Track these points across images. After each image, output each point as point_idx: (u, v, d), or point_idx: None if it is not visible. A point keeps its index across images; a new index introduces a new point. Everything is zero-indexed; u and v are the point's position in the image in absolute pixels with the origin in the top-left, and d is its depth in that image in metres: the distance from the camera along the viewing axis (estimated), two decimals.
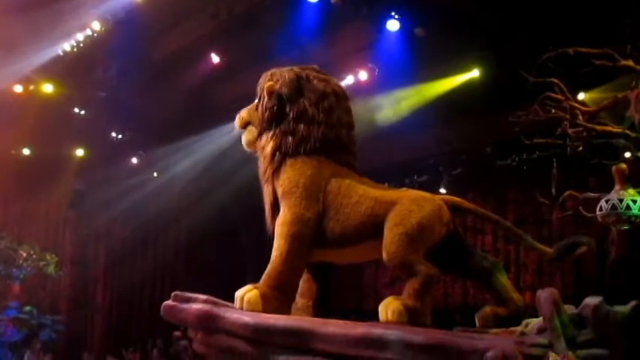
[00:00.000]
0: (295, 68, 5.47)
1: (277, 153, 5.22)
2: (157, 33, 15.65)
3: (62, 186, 19.43)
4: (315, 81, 5.37)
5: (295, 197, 5.05)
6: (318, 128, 5.20)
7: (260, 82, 5.56)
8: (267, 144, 5.30)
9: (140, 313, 20.41)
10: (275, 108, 5.29)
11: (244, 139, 5.60)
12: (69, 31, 15.50)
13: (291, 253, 4.91)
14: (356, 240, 4.97)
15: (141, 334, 19.64)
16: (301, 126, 5.21)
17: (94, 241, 20.43)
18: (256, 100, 5.57)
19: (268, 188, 5.30)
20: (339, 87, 5.54)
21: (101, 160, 18.91)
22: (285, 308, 4.91)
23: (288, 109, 5.27)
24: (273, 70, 5.54)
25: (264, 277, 4.91)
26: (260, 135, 5.41)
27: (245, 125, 5.60)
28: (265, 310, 4.72)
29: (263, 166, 5.34)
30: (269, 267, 4.93)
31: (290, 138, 5.20)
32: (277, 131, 5.27)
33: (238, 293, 4.86)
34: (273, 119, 5.31)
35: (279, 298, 4.86)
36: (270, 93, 5.32)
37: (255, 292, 4.79)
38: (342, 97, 5.46)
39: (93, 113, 18.18)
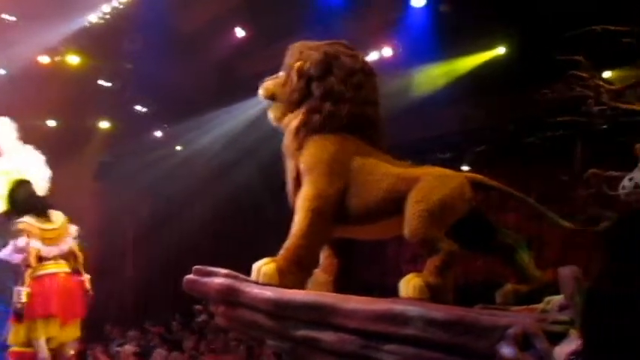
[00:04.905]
0: (324, 45, 5.44)
1: (303, 129, 5.22)
2: (183, 5, 15.68)
3: (88, 158, 19.57)
4: (344, 57, 5.34)
5: (317, 173, 5.05)
6: (344, 105, 5.19)
7: (288, 56, 5.55)
8: (293, 120, 5.31)
9: (166, 286, 20.54)
10: (302, 88, 5.30)
11: (272, 115, 5.60)
12: (95, 3, 15.55)
13: (311, 228, 4.90)
14: (377, 216, 4.96)
15: (165, 308, 19.80)
16: (328, 104, 5.19)
17: (120, 213, 20.56)
18: (282, 73, 5.57)
19: (291, 163, 5.30)
20: (367, 64, 5.52)
21: (126, 132, 19.01)
22: (300, 282, 4.93)
23: (315, 87, 5.26)
24: (300, 45, 5.53)
25: (282, 250, 4.91)
26: (286, 112, 5.42)
27: (270, 96, 5.60)
28: (281, 284, 4.75)
29: (287, 140, 5.33)
30: (288, 241, 4.93)
31: (317, 116, 5.19)
32: (304, 109, 5.28)
33: (256, 265, 4.87)
34: (302, 98, 5.32)
35: (295, 272, 4.86)
36: (300, 74, 5.32)
37: (273, 265, 4.79)
38: (369, 73, 5.44)
39: (118, 85, 18.28)
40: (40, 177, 9.99)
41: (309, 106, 5.26)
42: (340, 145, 5.15)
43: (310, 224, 4.91)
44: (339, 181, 5.03)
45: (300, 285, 4.91)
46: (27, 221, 9.25)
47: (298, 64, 5.38)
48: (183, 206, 20.36)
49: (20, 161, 9.96)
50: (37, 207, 9.51)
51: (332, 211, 4.98)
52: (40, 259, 9.25)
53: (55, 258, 9.42)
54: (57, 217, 9.75)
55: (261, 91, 5.67)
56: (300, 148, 5.22)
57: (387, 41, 15.52)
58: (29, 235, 9.17)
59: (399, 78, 15.57)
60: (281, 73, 5.61)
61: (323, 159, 5.09)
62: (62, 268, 9.46)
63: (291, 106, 5.40)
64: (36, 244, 9.17)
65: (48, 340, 9.26)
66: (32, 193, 9.59)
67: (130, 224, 20.68)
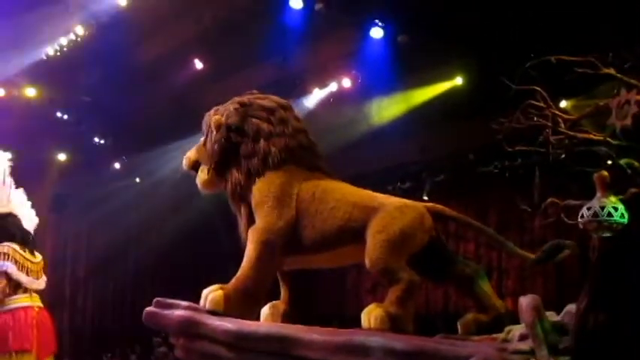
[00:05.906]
0: (235, 98, 5.55)
1: (246, 176, 5.27)
2: (141, 37, 15.62)
3: (44, 190, 19.35)
4: (258, 100, 5.46)
5: (267, 207, 5.10)
6: (278, 140, 5.26)
7: (205, 121, 5.63)
8: (233, 173, 5.35)
9: (121, 317, 20.37)
10: (223, 140, 5.36)
11: (198, 180, 5.66)
12: (52, 35, 15.46)
13: (261, 259, 4.95)
14: (333, 245, 5.00)
15: (122, 339, 19.59)
16: (261, 143, 5.26)
17: (76, 245, 20.39)
18: (202, 138, 5.64)
19: (242, 204, 5.36)
20: (282, 100, 5.61)
21: (83, 164, 18.88)
22: (247, 312, 4.96)
23: (242, 136, 5.34)
24: (215, 107, 5.62)
25: (233, 279, 4.97)
26: (218, 171, 5.45)
27: (194, 165, 5.68)
28: (227, 310, 4.80)
29: (231, 190, 5.38)
30: (239, 271, 5.00)
31: (255, 159, 5.25)
32: (239, 158, 5.33)
33: (205, 291, 4.93)
34: (226, 151, 5.37)
35: (242, 302, 4.91)
36: (218, 126, 5.38)
37: (220, 292, 4.85)
38: (287, 107, 5.55)
39: (75, 118, 18.15)
40: (29, 214, 9.81)
41: (244, 152, 5.32)
42: (287, 177, 5.20)
43: (259, 256, 4.96)
44: (288, 213, 5.08)
45: (247, 314, 4.94)
46: (12, 246, 9.00)
47: (215, 117, 5.45)
48: (140, 237, 20.23)
49: (7, 196, 9.74)
50: (25, 239, 9.31)
51: (282, 243, 5.03)
52: (19, 287, 8.99)
53: (29, 291, 9.20)
54: (37, 254, 9.57)
55: (184, 162, 5.78)
56: (247, 190, 5.27)
57: (345, 72, 15.62)
58: (13, 261, 8.93)
59: (358, 108, 15.65)
60: (201, 139, 5.69)
61: (270, 193, 5.13)
62: (36, 302, 9.25)
63: (219, 162, 5.43)
64: (14, 271, 8.92)
65: None
66: (20, 225, 9.39)
67: (88, 255, 20.50)
